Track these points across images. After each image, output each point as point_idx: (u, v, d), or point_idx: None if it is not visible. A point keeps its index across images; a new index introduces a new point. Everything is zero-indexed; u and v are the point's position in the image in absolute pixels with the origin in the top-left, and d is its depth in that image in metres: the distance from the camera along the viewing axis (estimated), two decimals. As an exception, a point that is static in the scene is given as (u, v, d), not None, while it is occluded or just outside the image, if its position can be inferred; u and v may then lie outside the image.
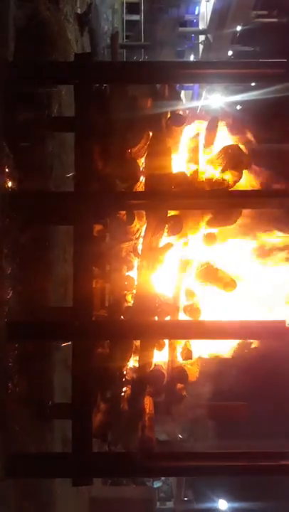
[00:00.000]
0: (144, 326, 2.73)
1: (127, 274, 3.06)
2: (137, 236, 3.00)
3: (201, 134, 2.95)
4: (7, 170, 2.68)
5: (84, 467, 2.59)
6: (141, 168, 2.88)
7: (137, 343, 2.86)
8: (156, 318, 2.81)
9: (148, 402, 2.96)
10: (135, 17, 13.67)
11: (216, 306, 2.93)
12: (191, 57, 15.55)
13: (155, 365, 2.89)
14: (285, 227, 2.89)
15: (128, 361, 2.90)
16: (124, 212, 2.82)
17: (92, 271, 2.69)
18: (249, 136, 2.94)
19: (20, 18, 3.00)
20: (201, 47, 14.70)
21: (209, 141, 2.94)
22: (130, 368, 2.98)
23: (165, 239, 2.84)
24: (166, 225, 2.76)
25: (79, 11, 5.52)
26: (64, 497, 3.71)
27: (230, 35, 13.25)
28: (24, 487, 2.75)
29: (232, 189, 2.87)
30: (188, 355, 2.89)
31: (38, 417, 3.12)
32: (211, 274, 2.87)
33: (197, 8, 15.58)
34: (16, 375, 2.72)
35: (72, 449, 2.58)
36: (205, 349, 3.02)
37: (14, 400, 2.68)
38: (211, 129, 2.90)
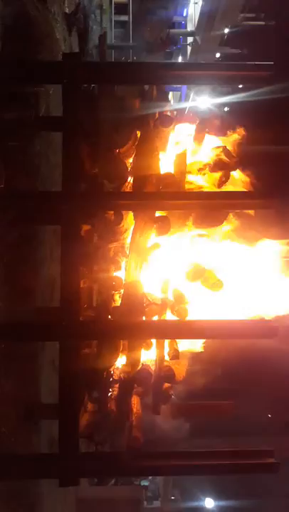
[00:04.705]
0: (131, 325, 2.74)
1: (114, 274, 3.06)
2: (125, 236, 3.01)
3: (189, 135, 2.97)
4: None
5: (71, 467, 2.59)
6: (129, 169, 2.88)
7: (125, 342, 2.87)
8: (143, 318, 2.82)
9: (135, 402, 2.97)
10: (124, 18, 13.66)
11: (203, 306, 2.96)
12: (180, 59, 15.60)
13: (142, 364, 2.90)
14: (276, 234, 2.90)
15: (115, 361, 2.91)
16: (112, 212, 2.82)
17: (79, 271, 2.69)
18: (239, 137, 2.97)
19: (8, 17, 2.99)
20: (189, 48, 14.76)
21: (198, 142, 2.97)
22: (118, 367, 2.99)
23: (153, 239, 2.85)
24: (154, 226, 2.77)
25: (67, 10, 5.51)
26: (51, 498, 3.70)
27: (218, 38, 13.33)
28: (11, 488, 2.74)
29: (219, 190, 2.89)
30: (175, 354, 2.90)
31: (25, 418, 3.10)
32: (198, 274, 2.89)
33: (185, 10, 15.63)
34: (2, 376, 2.70)
35: (59, 449, 2.57)
36: (190, 347, 3.04)
37: (0, 401, 2.66)
38: (200, 130, 2.92)
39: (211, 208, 2.81)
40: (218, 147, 2.97)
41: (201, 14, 13.21)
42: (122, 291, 2.94)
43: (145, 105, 2.88)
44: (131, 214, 2.85)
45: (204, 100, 11.81)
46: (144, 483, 12.14)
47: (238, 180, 2.98)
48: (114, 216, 2.82)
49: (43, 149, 3.65)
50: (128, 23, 13.19)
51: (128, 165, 2.90)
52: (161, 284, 2.94)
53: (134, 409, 2.93)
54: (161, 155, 2.92)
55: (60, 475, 2.61)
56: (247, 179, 2.93)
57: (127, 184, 2.88)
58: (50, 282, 3.72)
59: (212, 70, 3.00)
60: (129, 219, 2.91)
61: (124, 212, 2.84)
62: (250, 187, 2.95)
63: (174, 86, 13.37)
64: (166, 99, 3.03)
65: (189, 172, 2.92)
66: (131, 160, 2.92)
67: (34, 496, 3.37)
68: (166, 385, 2.97)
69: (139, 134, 2.87)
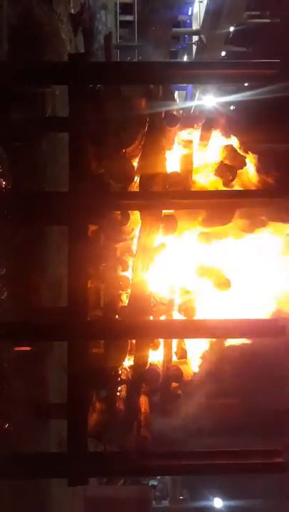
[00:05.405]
0: (139, 325, 2.74)
1: (121, 274, 3.07)
2: (132, 236, 3.01)
3: (195, 135, 2.96)
4: (1, 170, 2.68)
5: (79, 467, 2.60)
6: (135, 168, 2.88)
7: (133, 342, 2.87)
8: (151, 317, 2.82)
9: (143, 402, 2.97)
10: (129, 17, 13.66)
11: (211, 305, 2.95)
12: (185, 58, 15.58)
13: (150, 364, 2.90)
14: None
15: (123, 361, 2.91)
16: (118, 212, 2.83)
17: (86, 271, 2.69)
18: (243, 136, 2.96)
19: (14, 18, 3.01)
20: (194, 47, 14.74)
21: (204, 141, 2.96)
22: (125, 367, 2.99)
23: (160, 238, 2.85)
24: (161, 225, 2.77)
25: (72, 11, 5.52)
26: (59, 497, 3.71)
27: (223, 36, 13.29)
28: (20, 487, 2.75)
29: (226, 189, 2.89)
30: (182, 354, 2.90)
31: (34, 418, 3.12)
32: (205, 274, 2.89)
33: (190, 8, 15.62)
34: (10, 375, 2.72)
35: (68, 449, 2.58)
36: (199, 347, 3.04)
37: (9, 400, 2.67)
38: (207, 129, 2.91)
39: (217, 206, 2.80)
40: (225, 146, 2.95)
41: (206, 13, 13.20)
42: (129, 291, 2.94)
43: (151, 105, 2.87)
44: (138, 214, 2.85)
45: (210, 99, 11.79)
46: (153, 482, 12.15)
47: (247, 178, 2.96)
48: (121, 216, 2.82)
49: (50, 150, 3.66)
50: (133, 22, 13.20)
51: (134, 164, 2.90)
52: (168, 283, 2.94)
53: (142, 409, 2.93)
54: (168, 154, 2.92)
55: (68, 474, 2.62)
56: (255, 178, 2.92)
57: (133, 184, 2.88)
58: (58, 282, 3.74)
59: (218, 69, 2.99)
60: (135, 219, 2.91)
61: (130, 212, 2.84)
62: (258, 185, 2.93)
63: (180, 85, 13.36)
64: (173, 99, 3.02)
65: (196, 171, 2.92)
66: (137, 159, 2.92)
67: (43, 495, 3.39)
68: (174, 384, 2.97)
69: (145, 133, 2.87)
